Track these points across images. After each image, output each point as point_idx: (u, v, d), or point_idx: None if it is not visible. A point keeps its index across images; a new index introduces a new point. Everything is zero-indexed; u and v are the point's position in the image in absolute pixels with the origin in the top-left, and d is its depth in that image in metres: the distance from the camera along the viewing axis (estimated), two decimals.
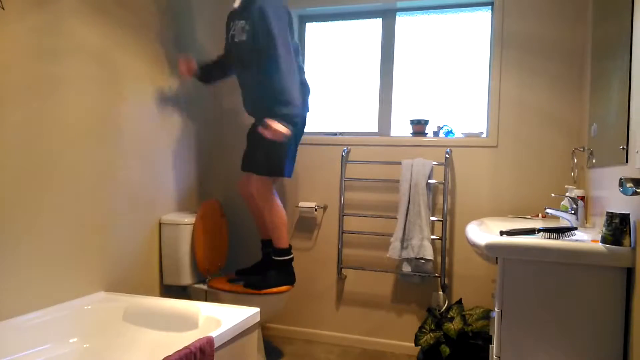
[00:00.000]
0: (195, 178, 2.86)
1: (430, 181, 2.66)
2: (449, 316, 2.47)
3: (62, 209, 1.94)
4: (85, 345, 1.90)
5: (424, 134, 2.81)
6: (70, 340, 1.87)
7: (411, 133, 2.83)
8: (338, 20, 3.05)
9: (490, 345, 1.86)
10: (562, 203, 2.17)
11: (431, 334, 2.43)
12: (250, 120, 2.60)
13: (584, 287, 1.41)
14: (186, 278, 2.53)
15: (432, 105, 2.88)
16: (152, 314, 1.98)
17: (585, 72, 2.43)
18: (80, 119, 2.02)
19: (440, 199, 2.73)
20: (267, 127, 2.24)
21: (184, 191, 2.75)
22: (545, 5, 2.56)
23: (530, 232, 1.65)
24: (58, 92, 1.91)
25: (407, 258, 2.64)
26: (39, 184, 1.84)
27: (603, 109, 1.93)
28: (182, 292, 2.64)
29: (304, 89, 2.47)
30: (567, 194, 2.10)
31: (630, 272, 1.38)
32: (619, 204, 1.59)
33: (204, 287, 2.55)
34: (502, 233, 1.63)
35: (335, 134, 3.00)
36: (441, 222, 2.68)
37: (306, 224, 2.98)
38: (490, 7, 2.76)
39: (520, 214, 2.58)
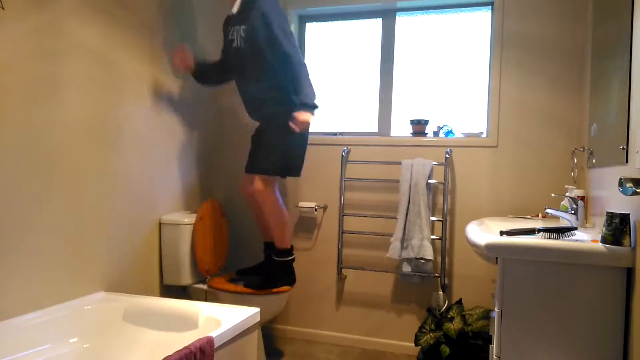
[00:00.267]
0: (195, 178, 2.86)
1: (430, 181, 2.66)
2: (449, 316, 2.47)
3: (62, 209, 1.94)
4: (85, 345, 1.90)
5: (424, 134, 2.81)
6: (70, 340, 1.87)
7: (411, 133, 2.83)
8: (338, 20, 3.05)
9: (490, 345, 1.86)
10: (562, 203, 2.17)
11: (431, 334, 2.43)
12: (254, 123, 2.60)
13: (584, 287, 1.41)
14: (186, 278, 2.53)
15: (432, 105, 2.88)
16: (152, 314, 1.98)
17: (585, 72, 2.43)
18: (80, 119, 2.02)
19: (440, 199, 2.73)
20: (295, 120, 2.25)
21: (184, 191, 2.75)
22: (545, 5, 2.56)
23: (530, 232, 1.65)
24: (58, 92, 1.91)
25: (407, 258, 2.64)
26: (39, 184, 1.84)
27: (603, 109, 1.93)
28: (182, 292, 2.64)
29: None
30: (567, 194, 2.10)
31: (630, 272, 1.38)
32: (619, 204, 1.59)
33: (204, 287, 2.55)
34: (502, 233, 1.63)
35: (335, 134, 3.00)
36: (441, 222, 2.68)
37: (306, 224, 2.98)
38: (490, 7, 2.76)
39: (520, 214, 2.58)
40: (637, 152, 1.39)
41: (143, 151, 2.40)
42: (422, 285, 2.76)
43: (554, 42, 2.55)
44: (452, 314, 2.47)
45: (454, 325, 2.39)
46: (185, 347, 1.49)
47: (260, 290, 2.37)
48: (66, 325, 1.87)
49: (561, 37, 2.54)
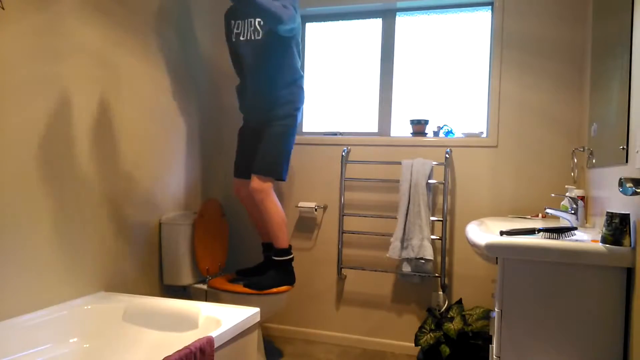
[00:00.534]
0: (195, 178, 2.86)
1: (430, 181, 2.66)
2: (449, 316, 2.47)
3: (63, 208, 1.94)
4: (85, 345, 1.90)
5: (424, 134, 2.81)
6: (70, 340, 1.87)
7: (411, 133, 2.83)
8: (338, 20, 3.05)
9: (490, 345, 1.86)
10: (562, 203, 2.17)
11: (431, 334, 2.43)
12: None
13: (584, 287, 1.41)
14: (186, 278, 2.53)
15: (432, 105, 2.88)
16: (152, 314, 1.98)
17: (585, 72, 2.43)
18: (80, 119, 2.02)
19: (440, 199, 2.73)
20: None
21: (184, 191, 2.75)
22: (545, 5, 2.56)
23: (530, 232, 1.65)
24: (58, 92, 1.91)
25: (407, 258, 2.64)
26: (39, 184, 1.84)
27: (603, 109, 1.93)
28: (182, 292, 2.64)
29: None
30: (567, 194, 2.10)
31: (630, 272, 1.38)
32: (619, 204, 1.59)
33: (204, 287, 2.55)
34: (502, 233, 1.63)
35: (335, 134, 3.00)
36: (441, 222, 2.68)
37: (306, 224, 2.98)
38: (490, 7, 2.76)
39: (520, 214, 2.58)
40: (637, 152, 1.39)
41: (143, 151, 2.40)
42: (422, 285, 2.76)
43: (554, 42, 2.55)
44: (452, 314, 2.47)
45: (454, 325, 2.39)
46: (185, 347, 1.49)
47: (260, 290, 2.37)
48: (66, 325, 1.87)
49: (561, 37, 2.54)
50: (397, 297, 2.81)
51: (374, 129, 2.97)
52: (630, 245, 1.36)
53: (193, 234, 2.54)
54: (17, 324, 1.71)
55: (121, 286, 2.26)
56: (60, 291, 1.94)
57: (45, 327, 1.79)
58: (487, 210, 2.66)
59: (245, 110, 2.58)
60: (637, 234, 1.34)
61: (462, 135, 2.75)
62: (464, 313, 2.46)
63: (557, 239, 1.61)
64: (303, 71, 2.61)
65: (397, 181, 2.74)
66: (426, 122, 2.80)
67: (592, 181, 2.11)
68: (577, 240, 1.50)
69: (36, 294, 1.84)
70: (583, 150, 2.34)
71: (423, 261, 2.63)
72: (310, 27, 3.12)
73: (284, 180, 2.47)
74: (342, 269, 2.89)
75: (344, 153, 2.85)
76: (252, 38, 2.39)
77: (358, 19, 3.01)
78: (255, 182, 2.39)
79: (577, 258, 1.39)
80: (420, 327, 2.50)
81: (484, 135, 2.72)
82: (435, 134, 2.81)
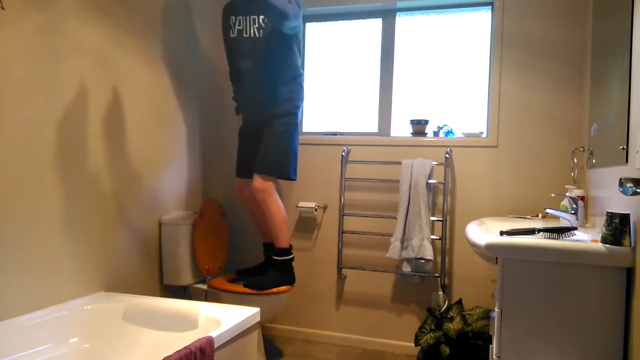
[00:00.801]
0: (195, 178, 2.86)
1: (430, 181, 2.66)
2: (449, 316, 2.47)
3: (62, 208, 1.94)
4: (85, 345, 1.90)
5: (424, 134, 2.81)
6: (70, 340, 1.87)
7: (411, 133, 2.83)
8: (338, 20, 3.05)
9: (490, 345, 1.86)
10: (562, 203, 2.17)
11: (431, 334, 2.43)
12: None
13: (584, 287, 1.41)
14: (186, 278, 2.53)
15: (432, 105, 2.88)
16: (152, 314, 1.98)
17: (585, 72, 2.43)
18: (80, 119, 2.02)
19: (440, 199, 2.73)
20: None
21: (184, 191, 2.75)
22: (545, 5, 2.56)
23: (530, 232, 1.65)
24: (58, 92, 1.91)
25: (407, 258, 2.64)
26: (39, 184, 1.84)
27: (603, 109, 1.93)
28: (182, 292, 2.64)
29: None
30: (567, 194, 2.10)
31: (630, 272, 1.38)
32: (619, 204, 1.59)
33: (204, 287, 2.55)
34: (502, 233, 1.63)
35: (335, 134, 3.00)
36: (441, 222, 2.68)
37: (306, 224, 2.98)
38: (490, 7, 2.76)
39: (520, 214, 2.58)
40: (637, 152, 1.39)
41: (143, 151, 2.40)
42: (422, 285, 2.76)
43: (554, 42, 2.55)
44: (452, 314, 2.47)
45: (454, 325, 2.39)
46: (185, 347, 1.49)
47: (260, 290, 2.37)
48: (66, 325, 1.87)
49: (561, 37, 2.54)
50: (397, 297, 2.81)
51: (374, 129, 2.97)
52: (630, 245, 1.36)
53: (193, 234, 2.54)
54: (17, 324, 1.71)
55: (121, 286, 2.26)
56: (60, 291, 1.94)
57: (45, 327, 1.79)
58: (487, 210, 2.66)
59: (244, 108, 2.57)
60: (637, 234, 1.34)
61: (462, 135, 2.75)
62: (464, 313, 2.46)
63: (557, 239, 1.61)
64: (303, 70, 2.61)
65: (397, 181, 2.74)
66: (426, 122, 2.80)
67: (592, 181, 2.11)
68: (577, 240, 1.50)
69: (36, 294, 1.84)
70: (583, 150, 2.34)
71: (423, 261, 2.63)
72: (310, 27, 3.12)
73: (292, 179, 2.47)
74: (342, 269, 2.89)
75: (344, 153, 2.85)
76: (255, 35, 2.38)
77: (358, 19, 3.01)
78: (257, 182, 2.39)
79: (577, 258, 1.39)
80: (420, 327, 2.50)
81: (484, 135, 2.72)
82: (435, 134, 2.81)
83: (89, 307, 1.97)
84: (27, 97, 1.78)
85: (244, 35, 2.41)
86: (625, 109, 1.55)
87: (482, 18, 2.79)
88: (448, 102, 2.85)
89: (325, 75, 3.08)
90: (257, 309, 1.95)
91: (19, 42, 1.74)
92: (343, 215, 2.86)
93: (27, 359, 1.70)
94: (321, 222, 2.95)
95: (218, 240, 2.73)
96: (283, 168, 2.41)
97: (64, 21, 1.93)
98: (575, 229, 1.67)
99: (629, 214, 1.37)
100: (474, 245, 1.58)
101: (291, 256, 2.47)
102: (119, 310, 2.01)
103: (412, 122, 2.81)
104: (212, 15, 2.98)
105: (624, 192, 1.23)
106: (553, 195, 2.09)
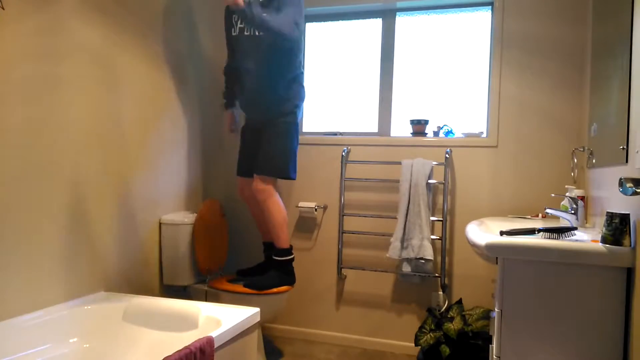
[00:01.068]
0: (195, 178, 2.86)
1: (430, 181, 2.66)
2: (449, 316, 2.47)
3: (63, 208, 1.94)
4: (85, 345, 1.90)
5: (424, 134, 2.81)
6: (70, 340, 1.87)
7: (411, 133, 2.83)
8: (338, 20, 3.05)
9: (490, 345, 1.86)
10: (562, 203, 2.17)
11: (431, 334, 2.43)
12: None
13: (584, 287, 1.41)
14: (186, 278, 2.53)
15: (432, 105, 2.88)
16: (152, 314, 1.98)
17: (585, 72, 2.43)
18: (80, 119, 2.02)
19: (440, 199, 2.73)
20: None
21: (184, 191, 2.75)
22: (545, 5, 2.56)
23: (530, 232, 1.65)
24: (58, 92, 1.91)
25: (407, 258, 2.64)
26: (39, 184, 1.84)
27: (603, 109, 1.93)
28: (182, 292, 2.64)
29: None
30: (567, 194, 2.10)
31: (630, 272, 1.38)
32: (619, 204, 1.59)
33: (204, 287, 2.55)
34: (502, 233, 1.63)
35: (335, 134, 3.00)
36: (441, 222, 2.68)
37: (306, 224, 2.98)
38: (490, 7, 2.76)
39: (520, 214, 2.58)
40: (637, 152, 1.39)
41: (143, 151, 2.40)
42: (422, 285, 2.76)
43: (554, 42, 2.55)
44: (452, 314, 2.47)
45: (454, 325, 2.39)
46: (185, 347, 1.49)
47: (260, 290, 2.37)
48: (66, 325, 1.87)
49: (561, 37, 2.54)
50: (397, 297, 2.81)
51: (374, 129, 2.97)
52: (630, 245, 1.36)
53: (193, 234, 2.54)
54: (17, 324, 1.71)
55: (121, 286, 2.26)
56: (60, 291, 1.94)
57: (45, 327, 1.79)
58: (487, 210, 2.66)
59: (245, 107, 2.57)
60: (637, 234, 1.34)
61: (462, 135, 2.75)
62: (464, 313, 2.46)
63: (557, 239, 1.61)
64: (303, 69, 2.60)
65: (397, 181, 2.74)
66: (426, 122, 2.80)
67: (592, 181, 2.11)
68: (577, 240, 1.50)
69: (36, 294, 1.84)
70: (583, 150, 2.34)
71: (423, 261, 2.63)
72: (310, 27, 3.12)
73: (292, 178, 2.47)
74: (342, 269, 2.89)
75: (344, 153, 2.85)
76: (256, 34, 2.38)
77: (358, 19, 3.01)
78: (258, 182, 2.40)
79: (577, 258, 1.39)
80: (420, 327, 2.50)
81: (484, 135, 2.72)
82: (435, 134, 2.81)
83: (89, 307, 1.97)
84: (27, 97, 1.78)
85: (245, 34, 2.41)
86: (625, 109, 1.55)
87: (482, 18, 2.79)
88: (448, 102, 2.85)
89: (325, 75, 3.08)
90: (257, 309, 1.95)
91: (19, 42, 1.74)
92: (343, 215, 2.86)
93: (27, 359, 1.70)
94: (321, 222, 2.95)
95: (218, 240, 2.73)
96: (283, 168, 2.42)
97: (64, 21, 1.93)
98: (575, 229, 1.67)
99: (629, 214, 1.37)
100: (474, 245, 1.58)
101: (291, 256, 2.47)
102: (119, 310, 2.01)
103: (412, 122, 2.81)
104: (212, 14, 2.98)
105: (624, 192, 1.23)
106: (553, 195, 2.09)
